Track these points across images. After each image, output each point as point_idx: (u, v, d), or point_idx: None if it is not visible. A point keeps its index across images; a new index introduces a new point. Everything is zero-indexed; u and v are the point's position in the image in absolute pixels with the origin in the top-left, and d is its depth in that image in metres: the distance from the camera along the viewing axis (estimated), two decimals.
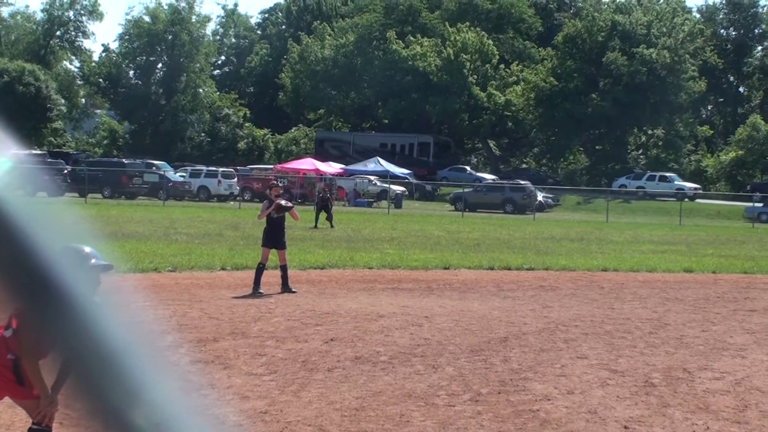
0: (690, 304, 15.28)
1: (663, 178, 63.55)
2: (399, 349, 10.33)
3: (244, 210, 42.79)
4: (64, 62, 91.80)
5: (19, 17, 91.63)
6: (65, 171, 51.58)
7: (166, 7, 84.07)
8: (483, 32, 75.96)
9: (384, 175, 57.40)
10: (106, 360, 1.82)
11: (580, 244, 28.95)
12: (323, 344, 10.52)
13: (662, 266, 21.54)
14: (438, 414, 7.59)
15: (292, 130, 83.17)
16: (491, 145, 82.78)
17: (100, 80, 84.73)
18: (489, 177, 64.79)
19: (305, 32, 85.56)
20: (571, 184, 68.33)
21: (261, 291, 14.57)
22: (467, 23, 76.24)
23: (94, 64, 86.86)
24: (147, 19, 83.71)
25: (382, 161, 61.48)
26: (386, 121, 78.69)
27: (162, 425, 1.79)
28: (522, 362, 9.88)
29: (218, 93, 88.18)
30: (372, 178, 57.19)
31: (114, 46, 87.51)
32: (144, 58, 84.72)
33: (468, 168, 69.35)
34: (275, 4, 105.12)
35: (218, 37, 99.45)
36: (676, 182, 63.05)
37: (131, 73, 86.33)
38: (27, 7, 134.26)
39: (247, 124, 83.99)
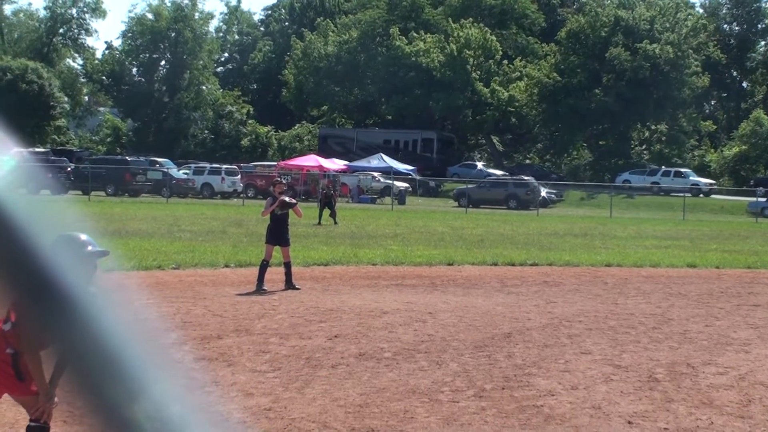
0: (694, 299, 15.28)
1: (678, 174, 63.06)
2: (403, 346, 10.34)
3: (247, 207, 42.79)
4: (67, 60, 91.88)
5: (22, 15, 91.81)
6: (68, 169, 51.54)
7: (169, 5, 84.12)
8: (486, 28, 75.80)
9: (387, 172, 57.36)
10: (105, 355, 1.82)
11: (583, 239, 28.91)
12: (327, 341, 10.52)
13: (666, 261, 21.53)
14: (442, 410, 7.59)
15: (296, 127, 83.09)
16: (495, 140, 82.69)
17: (103, 78, 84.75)
18: (497, 172, 64.46)
19: (308, 29, 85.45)
20: (575, 180, 68.11)
21: (265, 288, 14.58)
22: (470, 19, 76.12)
23: (97, 61, 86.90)
24: (150, 16, 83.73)
25: (385, 157, 61.35)
26: (389, 118, 78.60)
27: (166, 422, 1.80)
28: (526, 358, 9.89)
29: (221, 90, 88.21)
30: (375, 174, 57.17)
31: (117, 43, 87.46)
32: (147, 55, 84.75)
33: (479, 165, 68.81)
34: (278, 1, 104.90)
35: (221, 34, 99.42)
36: (691, 178, 62.76)
37: (134, 70, 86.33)
38: (30, 4, 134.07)
39: (250, 121, 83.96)
